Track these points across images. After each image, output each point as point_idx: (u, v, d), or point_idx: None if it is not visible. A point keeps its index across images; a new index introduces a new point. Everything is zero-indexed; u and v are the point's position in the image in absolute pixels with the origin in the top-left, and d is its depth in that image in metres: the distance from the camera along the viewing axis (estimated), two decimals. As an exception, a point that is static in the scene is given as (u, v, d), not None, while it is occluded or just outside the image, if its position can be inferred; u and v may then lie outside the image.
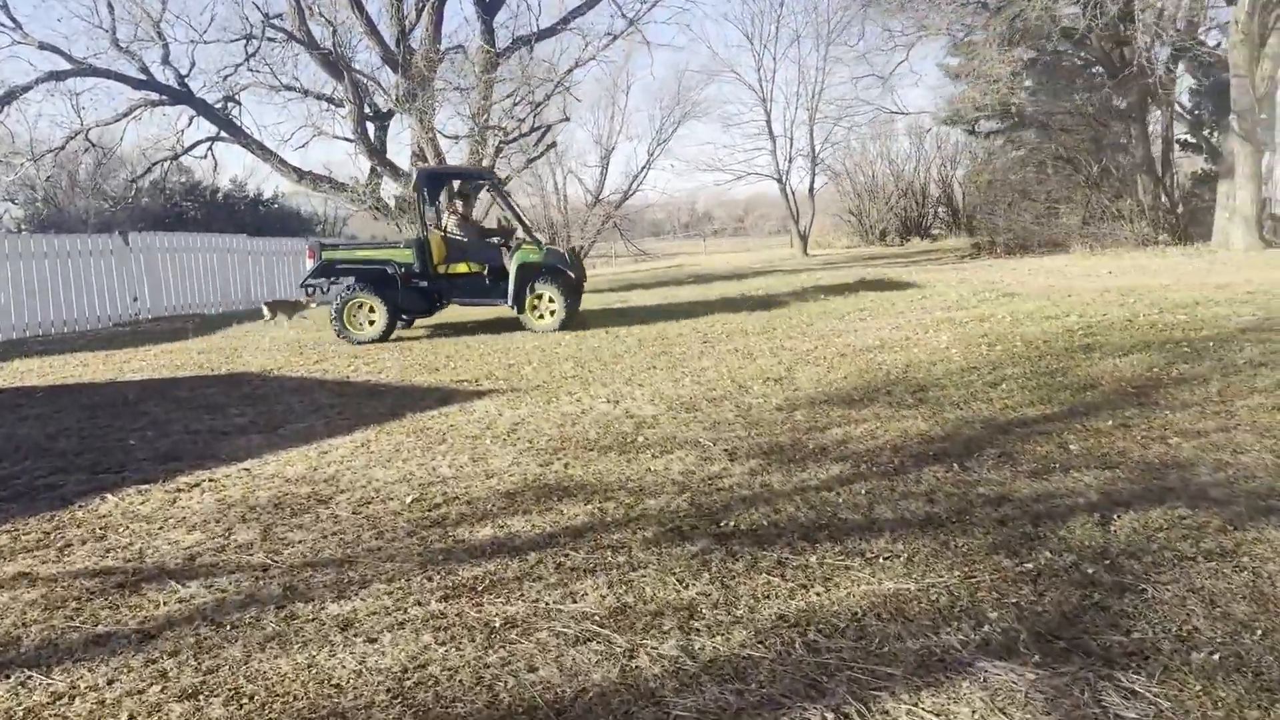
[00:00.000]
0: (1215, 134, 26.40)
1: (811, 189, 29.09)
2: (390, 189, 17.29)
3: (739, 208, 77.31)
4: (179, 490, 4.78)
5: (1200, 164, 26.32)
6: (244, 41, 16.68)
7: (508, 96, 16.77)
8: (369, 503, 4.41)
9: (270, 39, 16.32)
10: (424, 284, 10.74)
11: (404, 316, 11.28)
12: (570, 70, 15.99)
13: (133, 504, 4.58)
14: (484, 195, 13.19)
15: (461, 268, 10.79)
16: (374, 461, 5.17)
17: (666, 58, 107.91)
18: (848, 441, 5.08)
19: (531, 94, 16.10)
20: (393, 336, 10.80)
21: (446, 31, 16.48)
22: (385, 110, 17.03)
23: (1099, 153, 24.60)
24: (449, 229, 11.40)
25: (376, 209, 16.58)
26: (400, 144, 67.46)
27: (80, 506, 4.55)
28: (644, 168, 42.76)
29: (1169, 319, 8.33)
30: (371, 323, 10.54)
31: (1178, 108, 22.49)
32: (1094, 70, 23.23)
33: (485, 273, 10.88)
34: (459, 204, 11.72)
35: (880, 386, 6.43)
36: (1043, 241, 21.04)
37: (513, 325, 11.21)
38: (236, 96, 17.14)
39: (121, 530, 4.17)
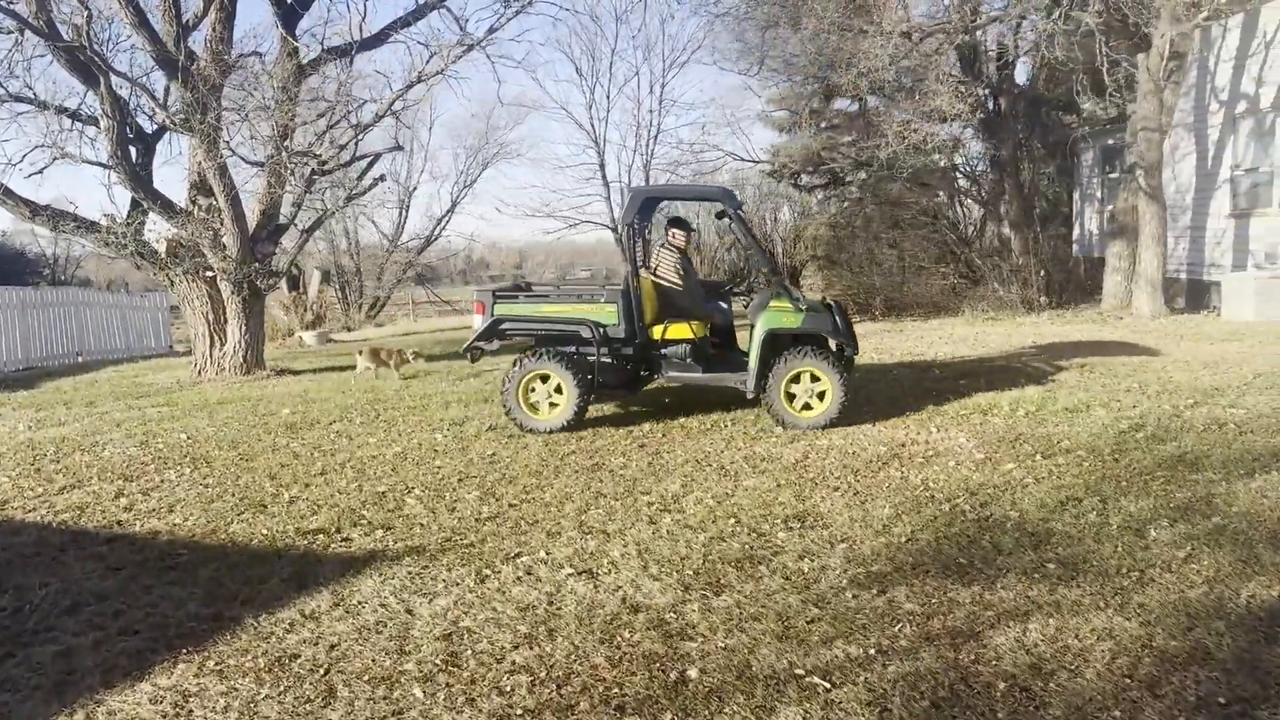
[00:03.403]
0: (1051, 189, 27.43)
1: (649, 240, 28.06)
2: (161, 228, 14.19)
3: (515, 254, 75.69)
4: None
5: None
6: (-46, 33, 13.29)
7: (320, 116, 14.24)
8: None
9: (-6, 29, 13.04)
10: (628, 351, 8.01)
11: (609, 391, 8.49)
12: (409, 86, 13.68)
13: None
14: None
15: (682, 329, 7.99)
16: (211, 763, 2.85)
17: (474, 91, 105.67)
18: (1043, 669, 3.30)
19: (355, 115, 13.69)
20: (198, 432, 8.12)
21: (238, 36, 13.78)
22: (155, 128, 14.03)
23: (963, 208, 24.82)
24: (659, 273, 8.58)
25: (140, 255, 13.47)
26: (176, 169, 60.69)
27: None
28: (447, 211, 40.83)
29: (1220, 414, 7.21)
30: (554, 404, 7.81)
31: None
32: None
33: (710, 336, 8.38)
34: (677, 236, 8.80)
35: (972, 536, 4.73)
36: (922, 303, 20.57)
37: (333, 397, 8.77)
38: (-58, 107, 13.63)
39: None
